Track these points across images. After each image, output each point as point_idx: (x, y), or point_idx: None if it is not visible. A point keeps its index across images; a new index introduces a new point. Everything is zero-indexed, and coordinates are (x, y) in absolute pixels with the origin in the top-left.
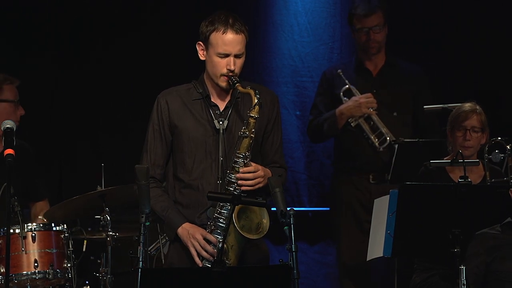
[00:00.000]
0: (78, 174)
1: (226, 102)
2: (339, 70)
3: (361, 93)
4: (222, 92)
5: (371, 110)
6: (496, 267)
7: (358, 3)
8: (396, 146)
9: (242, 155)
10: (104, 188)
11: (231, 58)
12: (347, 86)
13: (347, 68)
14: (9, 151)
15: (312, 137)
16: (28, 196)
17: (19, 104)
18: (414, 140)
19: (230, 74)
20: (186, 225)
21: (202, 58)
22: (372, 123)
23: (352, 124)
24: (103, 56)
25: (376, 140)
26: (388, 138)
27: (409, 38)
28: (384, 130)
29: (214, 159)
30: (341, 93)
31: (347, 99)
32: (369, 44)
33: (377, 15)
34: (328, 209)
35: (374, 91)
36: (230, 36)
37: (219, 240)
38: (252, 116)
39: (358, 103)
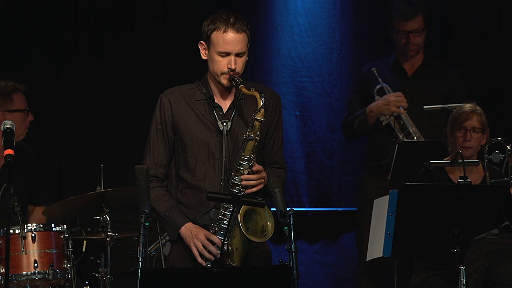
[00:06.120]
0: (78, 175)
1: (229, 103)
2: (373, 69)
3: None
4: (225, 93)
5: (401, 109)
6: (495, 271)
7: (398, 5)
8: (396, 146)
9: (247, 157)
10: (104, 188)
11: (232, 57)
12: (380, 84)
13: (384, 66)
14: (9, 151)
15: (345, 133)
16: (29, 199)
17: (28, 111)
18: (414, 140)
19: (232, 73)
20: (189, 225)
21: (204, 57)
22: (402, 122)
23: (383, 123)
24: (103, 57)
25: (404, 139)
26: (416, 138)
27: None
28: (412, 129)
29: (217, 160)
30: (375, 92)
31: (380, 98)
32: (408, 47)
33: (418, 19)
34: (327, 209)
35: (407, 90)
36: (231, 35)
37: (222, 242)
38: (258, 119)
39: (387, 101)
